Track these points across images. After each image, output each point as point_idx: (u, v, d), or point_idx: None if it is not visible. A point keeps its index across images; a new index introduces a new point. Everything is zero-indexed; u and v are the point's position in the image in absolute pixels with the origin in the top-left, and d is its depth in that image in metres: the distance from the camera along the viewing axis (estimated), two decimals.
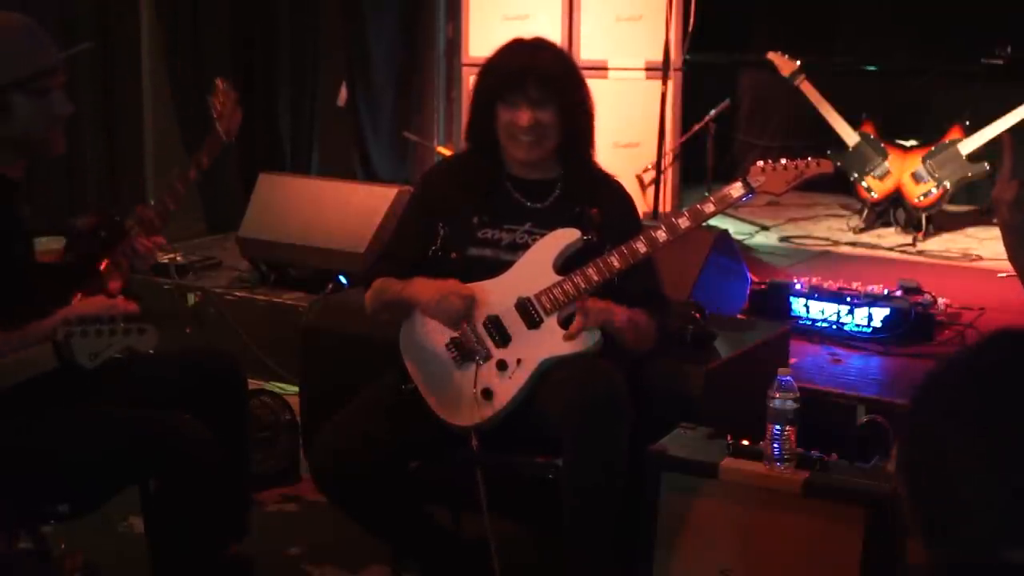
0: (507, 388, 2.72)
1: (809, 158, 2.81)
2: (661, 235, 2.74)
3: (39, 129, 2.66)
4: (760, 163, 2.80)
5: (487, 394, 2.71)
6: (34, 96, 2.63)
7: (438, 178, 3.00)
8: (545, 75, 2.77)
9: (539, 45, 2.88)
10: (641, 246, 2.74)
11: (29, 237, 2.73)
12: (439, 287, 2.74)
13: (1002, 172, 2.29)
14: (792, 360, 3.71)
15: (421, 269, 2.83)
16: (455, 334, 2.77)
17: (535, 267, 2.77)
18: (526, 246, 2.82)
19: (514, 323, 2.75)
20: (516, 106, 2.77)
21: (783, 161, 2.80)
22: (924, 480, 1.27)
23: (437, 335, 2.79)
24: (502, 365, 2.73)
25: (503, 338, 2.75)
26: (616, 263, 2.73)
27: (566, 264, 2.78)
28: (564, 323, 2.74)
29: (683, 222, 2.76)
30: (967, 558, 1.25)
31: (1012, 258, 2.28)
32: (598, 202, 2.85)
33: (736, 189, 2.78)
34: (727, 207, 2.81)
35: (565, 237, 2.79)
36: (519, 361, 2.73)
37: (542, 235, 2.82)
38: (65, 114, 2.70)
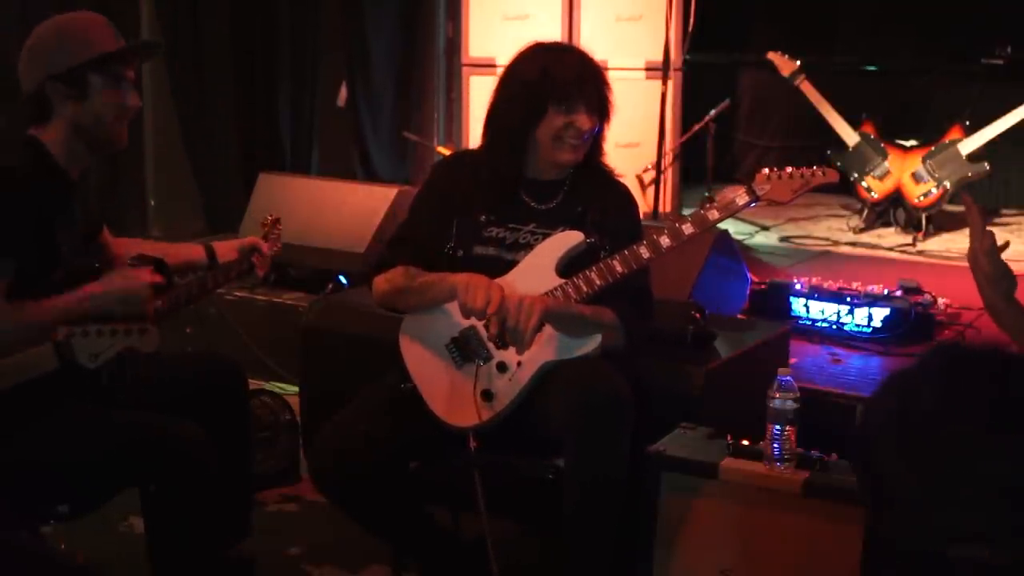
0: (507, 390, 2.71)
1: (815, 167, 2.79)
2: (664, 240, 2.73)
3: (109, 117, 2.71)
4: (766, 171, 2.79)
5: (487, 396, 2.70)
6: (109, 80, 2.69)
7: (450, 173, 2.97)
8: (603, 84, 2.83)
9: (586, 54, 2.89)
10: (644, 251, 2.73)
11: (79, 239, 2.75)
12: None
13: (972, 227, 2.30)
14: (792, 360, 3.72)
15: (434, 263, 2.83)
16: (456, 335, 2.77)
17: (537, 269, 2.77)
18: (528, 246, 2.82)
19: None
20: (575, 111, 2.78)
21: (789, 169, 2.79)
22: (866, 483, 1.40)
23: (438, 336, 2.79)
24: (503, 367, 2.73)
25: (504, 340, 2.75)
26: (618, 267, 2.72)
27: (569, 266, 2.77)
28: None
29: (687, 228, 2.75)
30: (908, 552, 1.36)
31: (994, 314, 2.29)
32: (602, 203, 2.86)
33: (741, 196, 2.77)
34: (731, 214, 2.79)
35: (568, 239, 2.79)
36: (520, 363, 2.72)
37: (545, 235, 2.82)
38: (134, 106, 2.76)
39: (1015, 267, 2.32)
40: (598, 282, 2.72)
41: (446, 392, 2.76)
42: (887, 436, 1.34)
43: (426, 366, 2.79)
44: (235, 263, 3.10)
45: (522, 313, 2.60)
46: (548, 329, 2.73)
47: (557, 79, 2.78)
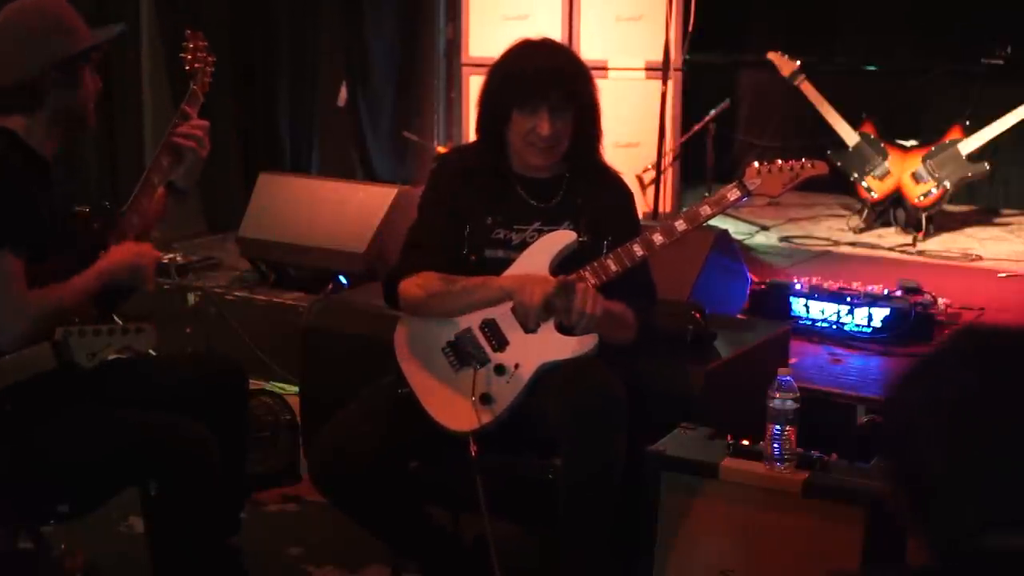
0: (505, 393, 2.71)
1: (804, 159, 2.83)
2: (658, 238, 2.74)
3: (91, 101, 2.73)
4: (756, 165, 2.81)
5: (486, 399, 2.69)
6: (91, 67, 2.72)
7: (448, 174, 2.95)
8: (567, 83, 2.76)
9: (554, 49, 2.87)
10: (638, 249, 2.73)
11: (60, 221, 2.75)
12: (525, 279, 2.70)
13: None
14: (792, 360, 3.71)
15: (450, 269, 2.81)
16: (452, 338, 2.77)
17: (531, 270, 2.76)
18: (533, 243, 2.81)
19: (511, 327, 2.75)
20: (536, 114, 2.74)
21: (779, 162, 2.81)
22: (902, 474, 1.37)
23: (433, 340, 2.78)
24: (500, 370, 2.72)
25: (500, 342, 2.75)
26: (612, 266, 2.72)
27: (562, 265, 2.77)
28: (561, 326, 2.74)
29: (680, 225, 2.75)
30: (947, 544, 1.32)
31: None
32: (599, 202, 2.85)
33: (732, 192, 2.78)
34: (723, 209, 2.81)
35: (561, 239, 2.79)
36: (517, 365, 2.72)
37: (550, 232, 2.82)
38: (98, 88, 2.78)
39: (1015, 267, 2.33)
40: (592, 281, 2.71)
41: (444, 396, 2.75)
42: (923, 423, 1.32)
43: (422, 371, 2.78)
44: (161, 154, 2.96)
45: (589, 300, 2.59)
46: (544, 328, 2.73)
47: (517, 82, 2.76)
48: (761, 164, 2.82)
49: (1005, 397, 1.28)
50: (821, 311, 4.17)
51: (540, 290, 2.63)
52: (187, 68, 3.11)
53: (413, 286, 2.79)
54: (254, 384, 3.58)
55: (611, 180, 2.93)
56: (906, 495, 1.36)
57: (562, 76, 2.76)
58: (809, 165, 2.83)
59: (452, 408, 2.72)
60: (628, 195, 2.96)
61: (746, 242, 5.68)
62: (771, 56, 5.96)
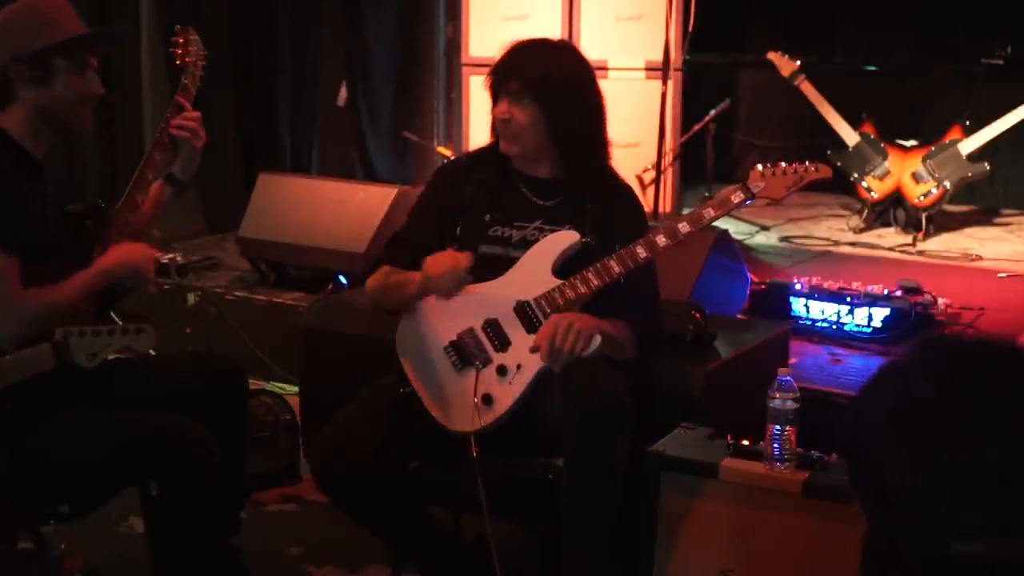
0: (507, 394, 2.71)
1: (807, 163, 2.82)
2: (661, 240, 2.74)
3: (72, 103, 2.69)
4: (759, 168, 2.80)
5: (487, 400, 2.70)
6: (73, 66, 2.67)
7: (453, 173, 2.98)
8: (524, 71, 2.80)
9: (535, 44, 2.89)
10: (641, 250, 2.73)
11: (54, 220, 2.75)
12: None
13: None
14: (792, 360, 3.71)
15: None
16: (454, 338, 2.77)
17: (534, 270, 2.76)
18: (536, 243, 2.82)
19: (513, 327, 2.75)
20: (497, 100, 2.83)
21: (782, 165, 2.80)
22: (866, 481, 1.38)
23: (436, 339, 2.79)
24: (502, 370, 2.72)
25: (502, 343, 2.75)
26: (615, 267, 2.72)
27: (565, 266, 2.77)
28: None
29: (683, 227, 2.75)
30: (907, 549, 1.33)
31: None
32: (604, 204, 2.85)
33: (736, 195, 2.77)
34: (727, 212, 2.80)
35: (564, 240, 2.79)
36: (519, 366, 2.72)
37: (552, 232, 2.82)
38: (96, 93, 2.74)
39: (1014, 267, 2.32)
40: (595, 282, 2.71)
41: (446, 396, 2.75)
42: (886, 427, 1.33)
43: (425, 370, 2.79)
44: (154, 149, 2.95)
45: (580, 341, 2.61)
46: None
47: (491, 71, 2.85)
48: (765, 167, 2.80)
49: (968, 409, 1.28)
50: (821, 311, 4.17)
51: (449, 264, 2.70)
52: (178, 63, 3.11)
53: (371, 280, 2.91)
54: (254, 384, 3.58)
55: (616, 185, 2.93)
56: (869, 502, 1.37)
57: (521, 67, 2.82)
58: (813, 169, 2.81)
59: (454, 408, 2.73)
60: (634, 200, 2.96)
61: (746, 242, 5.68)
62: (771, 56, 5.96)
